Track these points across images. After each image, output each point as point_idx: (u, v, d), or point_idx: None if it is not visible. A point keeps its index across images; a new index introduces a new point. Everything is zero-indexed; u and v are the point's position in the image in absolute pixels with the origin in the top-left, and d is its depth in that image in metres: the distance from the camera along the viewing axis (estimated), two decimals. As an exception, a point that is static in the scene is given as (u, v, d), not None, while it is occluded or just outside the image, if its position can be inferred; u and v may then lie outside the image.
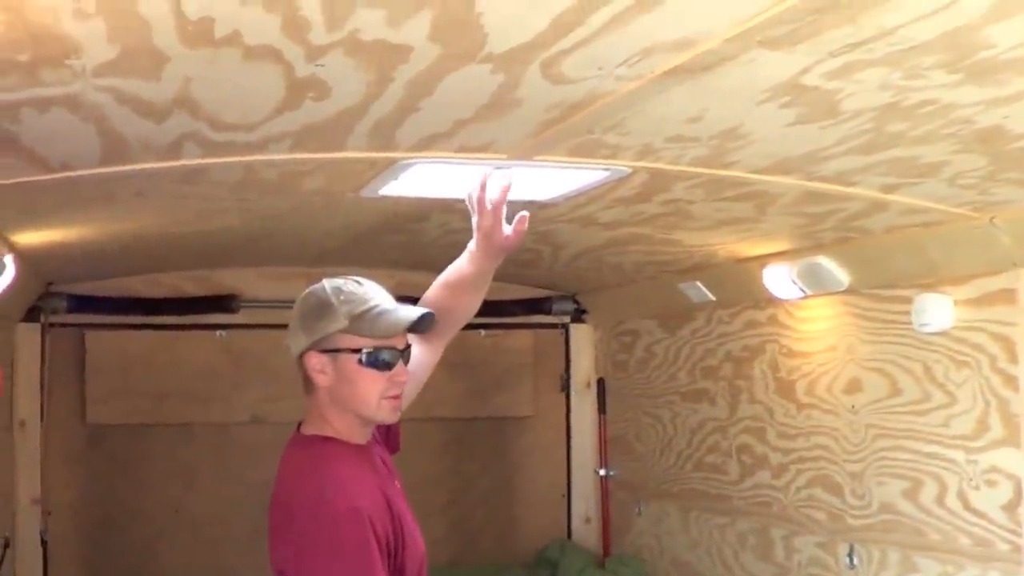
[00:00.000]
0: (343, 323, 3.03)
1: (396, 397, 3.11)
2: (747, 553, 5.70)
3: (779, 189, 3.62)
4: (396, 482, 3.27)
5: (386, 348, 3.06)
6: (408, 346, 3.13)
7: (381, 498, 3.03)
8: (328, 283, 3.12)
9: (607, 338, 7.06)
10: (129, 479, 6.45)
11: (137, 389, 6.38)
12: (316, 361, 3.07)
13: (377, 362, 3.05)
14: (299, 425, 3.26)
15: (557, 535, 7.18)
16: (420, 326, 3.12)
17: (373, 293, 3.10)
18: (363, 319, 3.04)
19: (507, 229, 3.15)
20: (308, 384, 3.14)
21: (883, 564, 4.72)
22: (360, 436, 3.18)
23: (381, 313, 3.05)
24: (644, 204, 4.01)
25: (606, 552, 7.08)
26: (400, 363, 3.09)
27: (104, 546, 6.38)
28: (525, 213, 3.12)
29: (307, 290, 3.15)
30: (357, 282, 3.12)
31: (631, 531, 6.85)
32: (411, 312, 3.09)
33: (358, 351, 3.04)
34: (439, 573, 6.64)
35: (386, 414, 3.12)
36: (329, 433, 3.14)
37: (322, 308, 3.07)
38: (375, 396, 3.07)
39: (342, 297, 3.07)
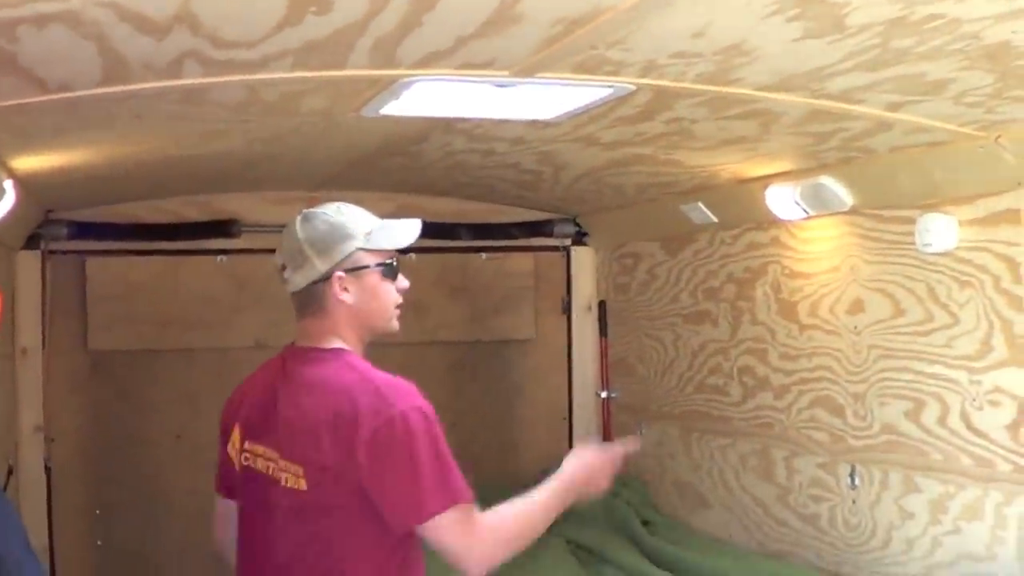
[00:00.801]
0: (361, 240, 3.24)
1: (399, 307, 3.35)
2: (748, 474, 5.72)
3: (783, 107, 3.60)
4: None
5: (395, 258, 3.30)
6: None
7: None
8: (326, 209, 3.29)
9: (608, 260, 7.05)
10: (131, 405, 6.45)
11: (139, 315, 6.36)
12: (341, 282, 3.24)
13: (394, 271, 3.32)
14: (292, 344, 3.43)
15: (558, 457, 7.12)
16: None
17: (362, 210, 3.34)
18: (377, 233, 3.25)
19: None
20: (320, 307, 3.29)
21: (884, 484, 4.74)
22: (373, 340, 3.39)
23: (386, 225, 3.29)
24: (647, 123, 3.98)
25: (608, 474, 7.08)
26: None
27: (107, 472, 6.39)
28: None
29: (302, 220, 3.29)
30: (344, 203, 3.34)
31: (632, 453, 6.83)
32: (413, 222, 3.36)
33: (381, 264, 3.28)
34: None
35: (395, 324, 3.37)
36: (351, 348, 3.32)
37: (336, 230, 3.25)
38: (392, 306, 3.33)
39: (350, 217, 3.26)
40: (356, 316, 3.28)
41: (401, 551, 3.17)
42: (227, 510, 3.50)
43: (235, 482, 3.43)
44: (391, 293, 3.31)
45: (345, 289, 3.24)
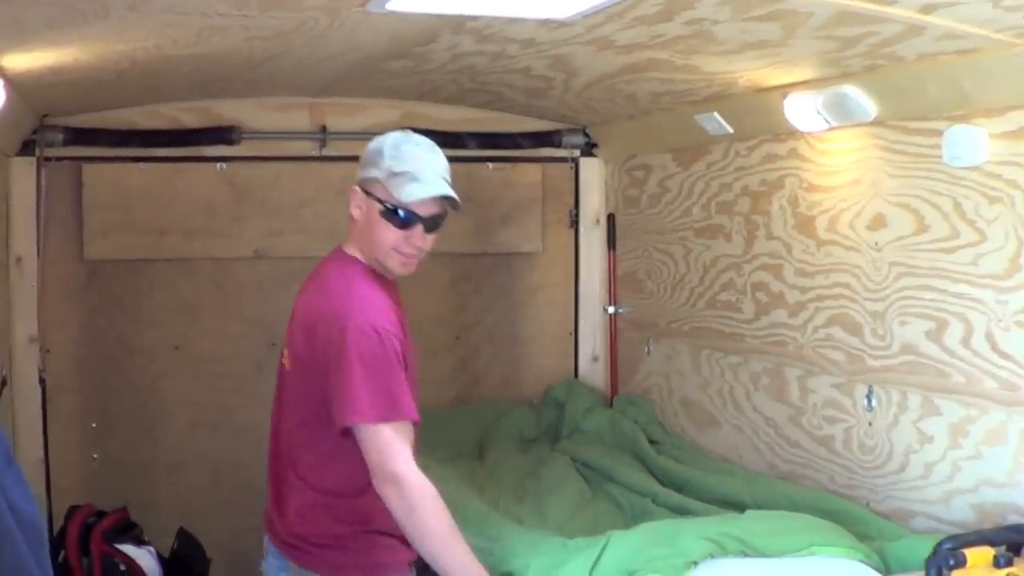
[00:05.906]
0: (382, 174, 3.56)
1: (407, 255, 3.63)
2: (760, 393, 5.61)
3: (811, 7, 3.45)
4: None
5: (407, 210, 3.56)
6: (435, 216, 3.63)
7: (398, 322, 3.59)
8: (398, 135, 3.65)
9: (618, 172, 6.92)
10: (128, 316, 6.35)
11: (136, 224, 6.24)
12: (358, 196, 3.65)
13: (393, 218, 3.57)
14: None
15: (564, 374, 7.12)
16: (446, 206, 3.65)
17: (423, 162, 3.59)
18: (396, 178, 3.54)
19: None
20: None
21: (903, 406, 4.62)
22: (382, 270, 3.67)
23: (413, 180, 3.55)
24: (666, 24, 3.85)
25: (614, 391, 7.03)
26: (419, 228, 3.60)
27: (103, 383, 6.31)
28: None
29: (391, 132, 3.68)
30: (418, 144, 3.61)
31: (639, 370, 6.78)
32: (436, 189, 3.56)
33: (382, 202, 3.57)
34: (445, 413, 6.62)
35: (393, 264, 3.66)
36: (362, 259, 3.70)
37: (375, 154, 3.61)
38: (386, 245, 3.61)
39: (394, 152, 3.58)
40: (359, 235, 3.68)
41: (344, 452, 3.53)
42: None
43: None
44: (387, 234, 3.59)
45: (358, 206, 3.64)
